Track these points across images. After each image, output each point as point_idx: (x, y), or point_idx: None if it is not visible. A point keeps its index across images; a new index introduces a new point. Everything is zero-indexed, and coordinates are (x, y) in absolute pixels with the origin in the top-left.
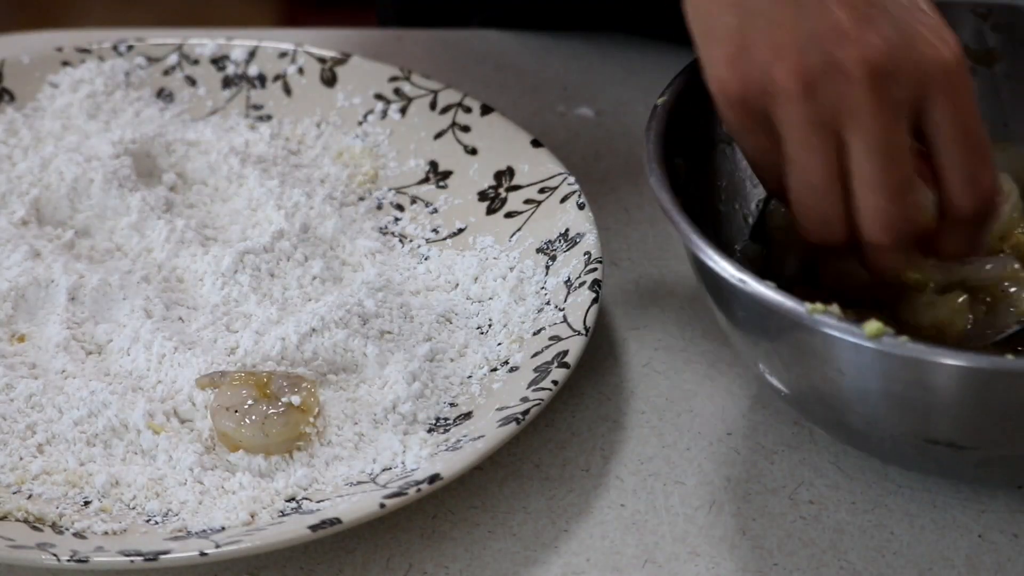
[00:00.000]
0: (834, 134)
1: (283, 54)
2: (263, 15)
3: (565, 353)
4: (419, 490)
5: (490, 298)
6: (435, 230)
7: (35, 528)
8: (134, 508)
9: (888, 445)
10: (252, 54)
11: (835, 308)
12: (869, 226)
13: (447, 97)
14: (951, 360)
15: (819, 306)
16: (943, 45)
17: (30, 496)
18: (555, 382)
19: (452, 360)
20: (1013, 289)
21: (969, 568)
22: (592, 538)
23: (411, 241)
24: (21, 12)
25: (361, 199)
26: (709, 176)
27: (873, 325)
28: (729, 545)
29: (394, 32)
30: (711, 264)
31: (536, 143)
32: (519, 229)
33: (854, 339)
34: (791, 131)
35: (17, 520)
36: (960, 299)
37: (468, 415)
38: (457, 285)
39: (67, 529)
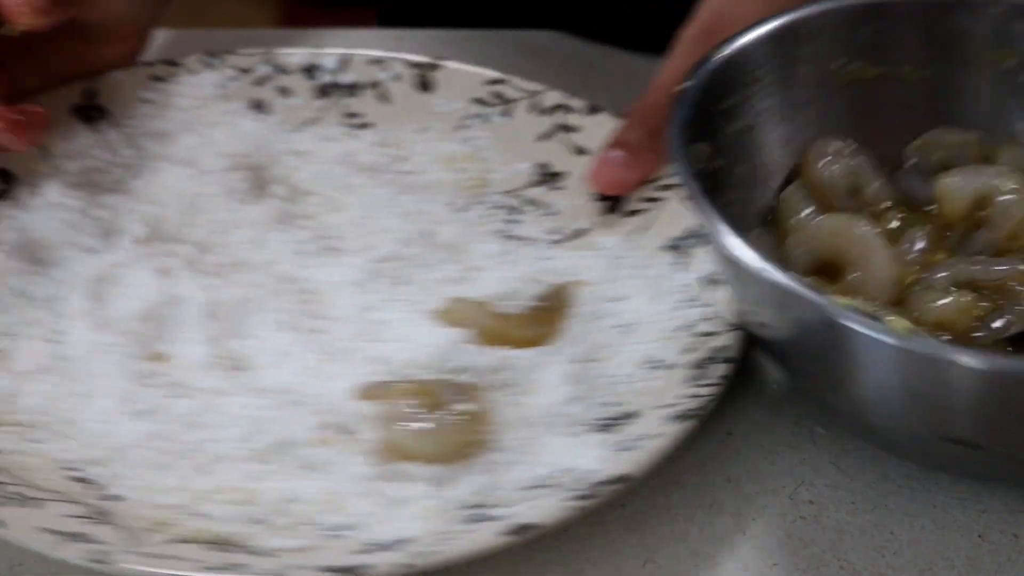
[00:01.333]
0: None
1: (375, 61)
2: (263, 15)
3: (725, 348)
4: (612, 490)
5: (627, 297)
6: (555, 232)
7: (219, 549)
8: (313, 523)
9: (905, 442)
10: (344, 62)
11: (858, 301)
12: None
13: (550, 98)
14: (973, 361)
15: (841, 299)
16: None
17: (203, 516)
18: (723, 377)
19: (604, 360)
20: (1020, 288)
21: (969, 568)
22: (592, 538)
23: (533, 244)
24: None
25: (473, 203)
26: (731, 161)
27: (896, 320)
28: (729, 545)
29: (394, 32)
30: (732, 252)
31: None
32: (643, 227)
33: (876, 334)
34: None
35: (199, 542)
36: (967, 298)
37: (632, 415)
38: (590, 285)
39: (253, 548)
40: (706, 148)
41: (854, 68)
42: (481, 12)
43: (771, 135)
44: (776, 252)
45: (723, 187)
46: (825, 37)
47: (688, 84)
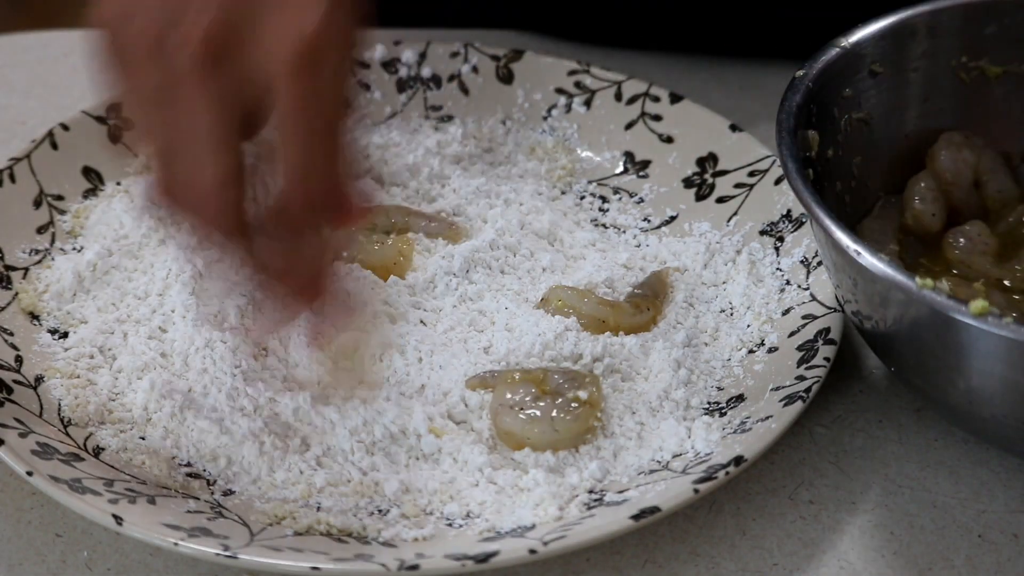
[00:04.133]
0: (174, 100)
1: (455, 54)
2: None
3: (827, 330)
4: (727, 473)
5: (724, 282)
6: (646, 219)
7: (339, 540)
8: (431, 513)
9: (990, 426)
10: (423, 55)
11: (944, 284)
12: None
13: (632, 87)
14: None
15: (929, 281)
16: (294, 32)
17: (319, 509)
18: (827, 359)
19: (707, 344)
20: None
21: (969, 568)
22: None
23: (625, 232)
24: (21, 12)
25: (563, 192)
26: (845, 152)
27: (978, 304)
28: (729, 545)
29: (393, 32)
30: (830, 234)
31: (735, 127)
32: (735, 213)
33: (959, 316)
34: (139, 88)
35: (320, 533)
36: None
37: (740, 397)
38: (686, 271)
39: (374, 539)
40: (816, 136)
41: (976, 66)
42: (468, 12)
43: (887, 128)
44: (889, 242)
45: (835, 177)
46: (944, 34)
47: (802, 72)
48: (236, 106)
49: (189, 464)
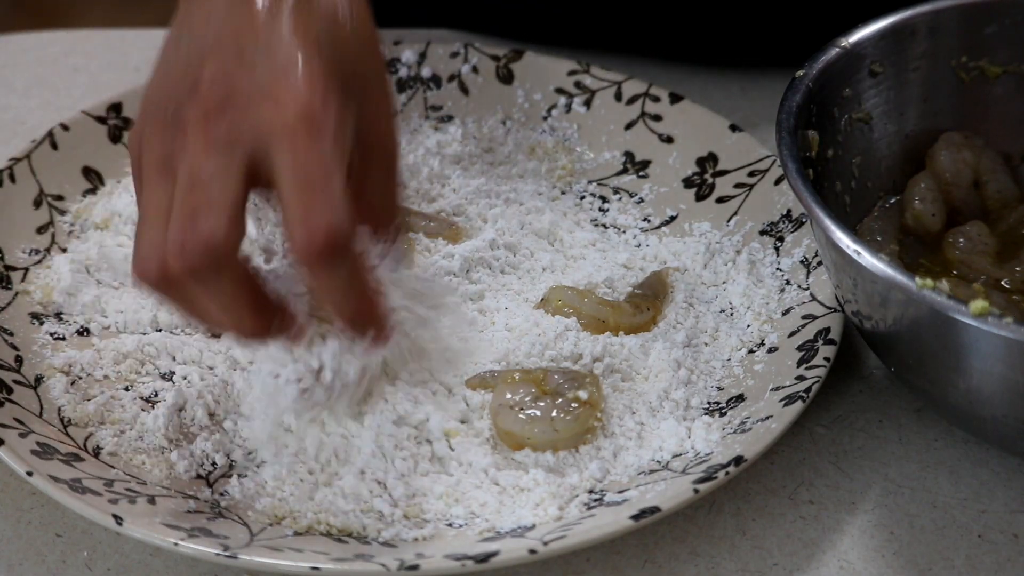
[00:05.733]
0: (179, 160)
1: (455, 54)
2: None
3: (827, 330)
4: (727, 473)
5: (724, 282)
6: (646, 219)
7: (339, 540)
8: (430, 512)
9: (990, 426)
10: (423, 55)
11: (944, 284)
12: (166, 253)
13: (632, 87)
14: None
15: (929, 281)
16: (286, 102)
17: (320, 510)
18: (827, 359)
19: (707, 344)
20: None
21: (969, 568)
22: None
23: (625, 232)
24: (21, 12)
25: (563, 192)
26: (845, 152)
27: (979, 304)
28: (729, 545)
29: (393, 32)
30: (830, 234)
31: (735, 127)
32: (735, 213)
33: (959, 316)
34: (150, 160)
35: (320, 533)
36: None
37: (740, 397)
38: (686, 271)
39: (374, 539)
40: (816, 136)
41: (976, 66)
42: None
43: (887, 128)
44: (889, 242)
45: (835, 177)
46: (944, 34)
47: (802, 72)
48: (239, 153)
49: (187, 464)
